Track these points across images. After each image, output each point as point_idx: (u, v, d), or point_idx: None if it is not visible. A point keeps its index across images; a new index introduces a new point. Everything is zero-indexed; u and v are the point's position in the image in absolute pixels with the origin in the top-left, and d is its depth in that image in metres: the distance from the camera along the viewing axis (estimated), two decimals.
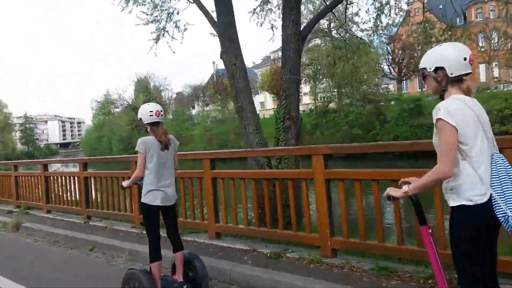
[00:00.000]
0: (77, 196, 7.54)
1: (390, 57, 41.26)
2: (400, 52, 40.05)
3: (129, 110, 59.02)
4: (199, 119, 50.91)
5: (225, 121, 45.29)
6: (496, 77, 47.82)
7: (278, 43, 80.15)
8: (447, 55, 2.09)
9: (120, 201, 6.56)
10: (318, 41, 66.25)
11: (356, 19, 14.94)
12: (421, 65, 2.17)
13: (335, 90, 36.09)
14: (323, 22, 38.76)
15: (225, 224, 5.17)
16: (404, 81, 45.55)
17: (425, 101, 32.26)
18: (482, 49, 47.81)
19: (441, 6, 50.00)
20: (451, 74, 2.08)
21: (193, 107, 66.18)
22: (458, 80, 2.10)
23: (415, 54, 38.98)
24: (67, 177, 7.81)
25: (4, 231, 7.87)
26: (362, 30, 38.18)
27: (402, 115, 30.52)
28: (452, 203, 2.05)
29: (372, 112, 32.02)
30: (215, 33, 6.75)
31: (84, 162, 7.45)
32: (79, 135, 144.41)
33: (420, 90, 50.42)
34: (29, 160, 17.84)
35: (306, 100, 62.79)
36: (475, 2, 50.51)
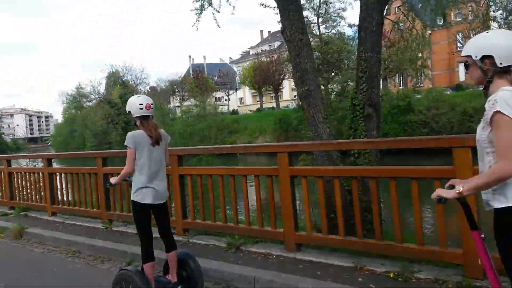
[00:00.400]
0: (85, 196, 6.73)
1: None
2: (384, 50, 39.81)
3: (103, 104, 56.43)
4: (180, 114, 49.02)
5: (206, 116, 43.88)
6: None
7: (256, 39, 79.48)
8: (498, 43, 1.90)
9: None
10: None
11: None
12: (465, 53, 1.99)
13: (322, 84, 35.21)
14: (312, 17, 38.27)
15: (308, 234, 4.24)
16: (387, 79, 45.52)
17: (414, 98, 32.18)
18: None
19: (420, 5, 49.78)
20: (500, 64, 1.89)
21: (169, 102, 64.23)
22: (505, 71, 1.91)
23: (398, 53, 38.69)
24: (83, 174, 6.64)
25: (5, 238, 6.64)
26: (350, 26, 37.59)
27: (391, 112, 30.20)
28: (498, 204, 1.87)
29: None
30: (271, 3, 5.70)
31: (104, 157, 6.28)
32: (47, 129, 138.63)
33: (401, 87, 50.65)
34: (26, 154, 15.87)
35: (286, 96, 62.54)
36: (454, 1, 50.74)
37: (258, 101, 68.27)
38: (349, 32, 41.63)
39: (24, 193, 7.79)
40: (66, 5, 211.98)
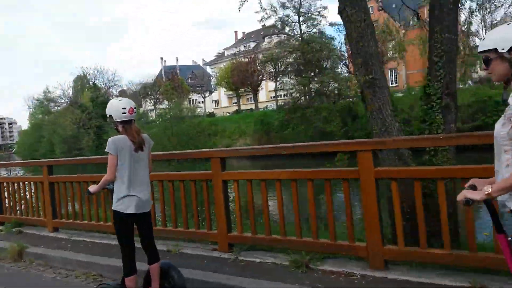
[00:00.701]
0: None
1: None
2: None
3: (74, 108, 54.19)
4: (154, 117, 47.68)
5: (183, 119, 42.81)
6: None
7: (231, 40, 78.53)
8: None
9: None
10: (273, 39, 65.80)
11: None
12: (487, 47, 1.84)
13: (302, 85, 34.94)
14: (293, 16, 37.90)
15: (400, 248, 3.58)
16: None
17: (396, 97, 32.23)
18: None
19: (394, 5, 50.73)
20: None
21: (140, 105, 62.61)
22: None
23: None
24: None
25: (1, 260, 5.62)
26: (331, 24, 37.69)
27: None
28: None
29: (343, 108, 31.39)
30: None
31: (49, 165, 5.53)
32: (10, 137, 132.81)
33: (395, 85, 51.17)
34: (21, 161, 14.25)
35: (262, 98, 62.06)
36: (428, 1, 52.12)
37: (234, 103, 67.82)
38: (330, 31, 41.49)
39: (18, 206, 6.83)
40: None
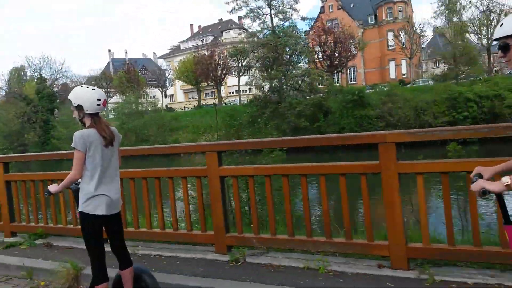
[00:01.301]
0: None
1: (321, 49, 41.54)
2: (332, 44, 40.44)
3: (18, 101, 50.79)
4: (114, 111, 45.81)
5: (142, 114, 41.34)
6: (404, 74, 51.65)
7: (183, 33, 76.67)
8: None
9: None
10: (232, 33, 65.18)
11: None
12: (508, 32, 1.74)
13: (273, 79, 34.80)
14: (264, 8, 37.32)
15: (422, 245, 3.38)
16: (336, 74, 46.53)
17: (366, 93, 32.97)
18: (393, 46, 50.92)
19: (352, 5, 52.82)
20: None
21: None
22: None
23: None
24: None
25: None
26: (303, 19, 37.82)
27: (346, 107, 30.58)
28: None
29: (315, 103, 31.64)
30: None
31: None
32: None
33: (354, 82, 52.26)
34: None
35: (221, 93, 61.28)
36: (385, 1, 54.05)
37: (190, 98, 66.73)
38: (302, 25, 41.48)
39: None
40: None
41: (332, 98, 33.35)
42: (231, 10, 37.83)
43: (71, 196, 3.49)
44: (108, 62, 74.33)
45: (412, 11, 54.61)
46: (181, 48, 72.56)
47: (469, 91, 28.98)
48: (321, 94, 33.62)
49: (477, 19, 38.02)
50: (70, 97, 3.05)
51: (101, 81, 57.18)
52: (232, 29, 67.24)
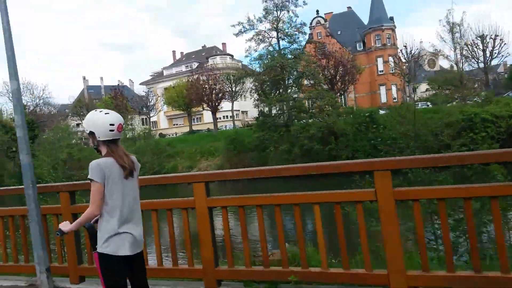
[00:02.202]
0: None
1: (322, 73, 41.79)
2: (333, 68, 40.68)
3: None
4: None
5: (135, 140, 39.77)
6: (395, 98, 52.84)
7: (169, 60, 76.52)
8: None
9: None
10: (218, 59, 65.08)
11: None
12: None
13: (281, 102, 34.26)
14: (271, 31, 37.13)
15: (422, 272, 3.36)
16: (340, 96, 46.65)
17: (377, 114, 32.95)
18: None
19: (339, 32, 53.85)
20: None
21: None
22: None
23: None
24: None
25: None
26: (309, 42, 37.67)
27: (359, 129, 30.29)
28: None
29: (328, 125, 31.21)
30: None
31: None
32: None
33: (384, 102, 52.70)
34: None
35: (207, 119, 60.31)
36: (374, 29, 55.77)
37: (174, 125, 65.63)
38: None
39: None
40: None
41: (342, 120, 33.03)
42: (237, 33, 37.28)
43: (86, 236, 3.31)
44: (83, 89, 72.52)
45: (396, 39, 56.35)
46: (165, 74, 71.58)
47: (484, 112, 29.54)
48: (331, 116, 33.20)
49: (473, 44, 39.53)
50: (83, 123, 2.88)
51: (79, 108, 54.76)
52: (219, 55, 67.34)
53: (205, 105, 46.37)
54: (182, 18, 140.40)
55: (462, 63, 38.99)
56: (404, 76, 44.77)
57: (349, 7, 64.96)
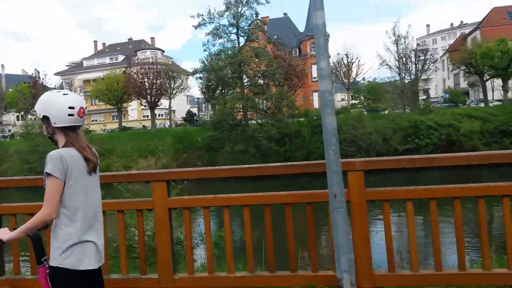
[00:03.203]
0: None
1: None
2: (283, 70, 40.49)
3: None
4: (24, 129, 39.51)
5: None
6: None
7: (90, 50, 70.39)
8: None
9: None
10: (149, 53, 62.01)
11: None
12: None
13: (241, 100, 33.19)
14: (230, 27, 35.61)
15: (388, 271, 3.48)
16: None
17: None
18: None
19: (275, 37, 54.56)
20: None
21: None
22: None
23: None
24: None
25: None
26: (269, 42, 37.02)
27: (314, 131, 30.51)
28: None
29: (287, 126, 31.00)
30: None
31: None
32: None
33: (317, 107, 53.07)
34: None
35: (134, 116, 56.77)
36: (309, 36, 57.43)
37: (93, 121, 60.89)
38: None
39: None
40: None
41: (298, 122, 33.12)
42: (197, 25, 35.31)
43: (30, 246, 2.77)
44: None
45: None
46: (85, 65, 66.00)
47: (428, 119, 31.72)
48: (284, 118, 33.08)
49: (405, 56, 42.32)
50: (36, 106, 2.40)
51: None
52: (148, 49, 63.86)
53: (143, 101, 43.49)
54: (90, 9, 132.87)
55: (404, 73, 41.61)
56: (345, 84, 46.66)
57: (285, 13, 66.48)
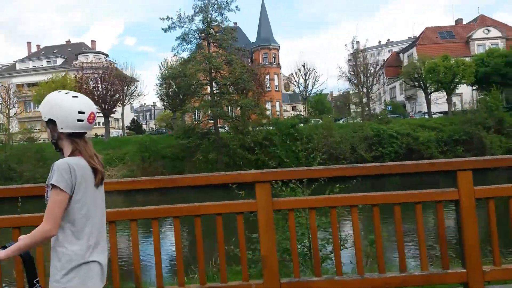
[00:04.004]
0: None
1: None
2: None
3: None
4: None
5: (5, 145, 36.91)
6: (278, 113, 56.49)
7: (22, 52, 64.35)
8: None
9: None
10: (91, 57, 58.74)
11: None
12: None
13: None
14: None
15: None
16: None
17: (300, 127, 33.93)
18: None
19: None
20: None
21: None
22: None
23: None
24: None
25: None
26: (238, 50, 36.60)
27: (284, 140, 30.90)
28: None
29: (263, 135, 30.98)
30: None
31: None
32: None
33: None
34: None
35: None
36: (261, 47, 58.25)
37: (38, 129, 55.73)
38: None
39: None
40: None
41: (268, 130, 33.31)
42: (168, 28, 33.93)
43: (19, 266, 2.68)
44: None
45: (279, 58, 59.91)
46: (18, 68, 60.50)
47: (389, 129, 33.52)
48: (257, 126, 33.08)
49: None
50: (40, 107, 2.19)
51: None
52: (91, 52, 60.25)
53: (97, 108, 40.59)
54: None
55: (363, 85, 43.69)
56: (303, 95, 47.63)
57: (235, 23, 66.41)
